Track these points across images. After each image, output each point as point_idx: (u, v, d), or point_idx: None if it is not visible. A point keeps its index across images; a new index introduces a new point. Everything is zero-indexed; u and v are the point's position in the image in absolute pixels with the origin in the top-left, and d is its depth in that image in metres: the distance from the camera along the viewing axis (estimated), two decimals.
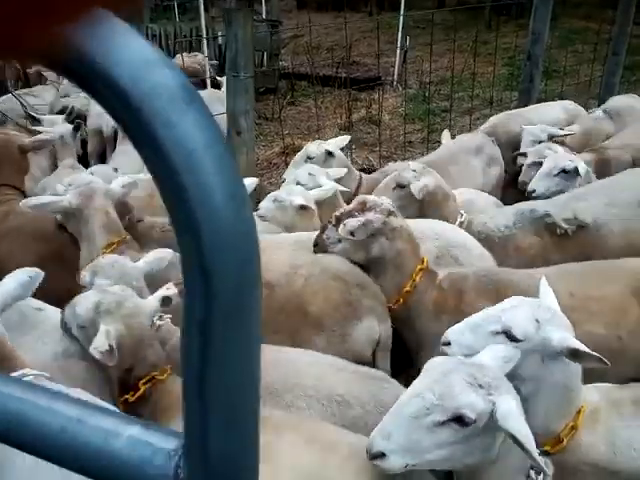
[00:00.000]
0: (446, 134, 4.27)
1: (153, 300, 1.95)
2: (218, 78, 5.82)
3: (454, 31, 6.25)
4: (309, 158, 3.52)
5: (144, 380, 1.83)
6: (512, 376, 1.54)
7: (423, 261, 2.33)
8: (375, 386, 1.88)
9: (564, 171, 3.05)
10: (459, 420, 1.39)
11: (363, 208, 2.37)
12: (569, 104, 4.79)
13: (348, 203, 2.64)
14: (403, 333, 2.36)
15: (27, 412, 0.58)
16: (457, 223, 2.77)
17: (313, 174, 3.15)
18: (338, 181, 3.20)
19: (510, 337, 1.60)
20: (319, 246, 2.43)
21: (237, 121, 3.51)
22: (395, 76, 8.33)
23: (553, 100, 7.14)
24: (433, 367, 1.49)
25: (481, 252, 2.58)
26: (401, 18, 8.37)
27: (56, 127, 3.99)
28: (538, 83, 4.68)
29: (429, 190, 2.77)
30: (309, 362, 1.99)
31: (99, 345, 1.69)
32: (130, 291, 1.93)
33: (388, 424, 1.45)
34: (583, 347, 1.55)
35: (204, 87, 5.90)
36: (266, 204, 2.94)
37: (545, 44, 4.53)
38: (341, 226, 2.28)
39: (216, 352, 0.43)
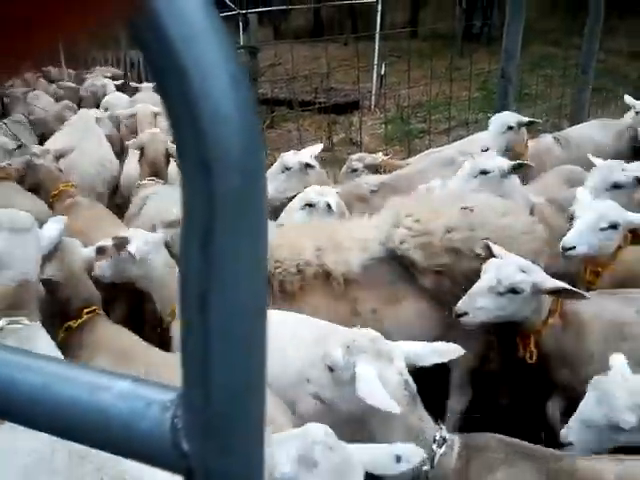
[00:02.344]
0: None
1: (90, 249, 2.48)
2: None
3: (430, 58, 6.45)
4: (287, 169, 3.50)
5: (87, 310, 2.25)
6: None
7: None
8: None
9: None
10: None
11: None
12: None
13: None
14: None
15: (5, 371, 0.52)
16: None
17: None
18: None
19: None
20: None
21: None
22: (373, 100, 8.48)
23: None
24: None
25: None
26: (377, 45, 8.59)
27: None
28: (512, 100, 4.78)
29: None
30: None
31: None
32: (78, 242, 2.48)
33: None
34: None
35: None
36: None
37: (517, 61, 4.65)
38: None
39: (222, 261, 0.39)
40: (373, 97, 8.50)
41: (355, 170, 4.16)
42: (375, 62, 8.53)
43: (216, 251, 0.39)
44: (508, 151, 3.83)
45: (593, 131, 4.45)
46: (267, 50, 11.04)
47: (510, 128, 3.86)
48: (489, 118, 6.29)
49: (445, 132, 6.75)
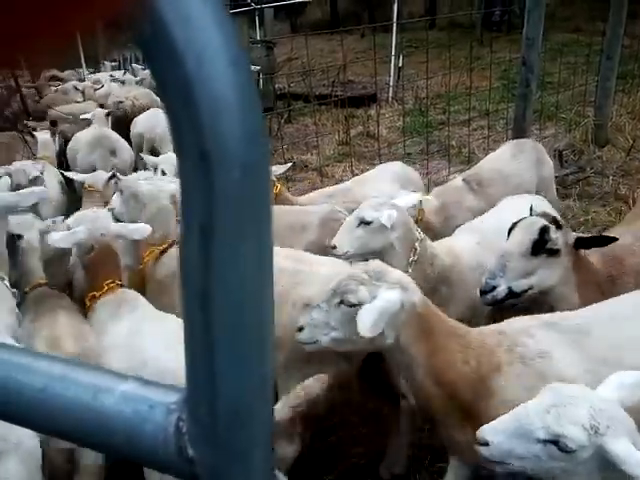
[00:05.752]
0: None
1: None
2: None
3: (448, 49, 6.34)
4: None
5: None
6: None
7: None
8: None
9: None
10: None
11: None
12: (399, 168, 3.91)
13: None
14: None
15: (5, 373, 0.51)
16: None
17: None
18: None
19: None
20: None
21: None
22: (390, 93, 8.39)
23: (550, 111, 7.21)
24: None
25: None
26: (394, 36, 8.49)
27: None
28: (534, 88, 4.67)
29: None
30: None
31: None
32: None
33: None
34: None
35: None
36: None
37: (539, 49, 4.53)
38: None
39: (222, 261, 0.37)
40: (391, 89, 8.41)
41: None
42: (392, 53, 8.43)
43: (216, 249, 0.36)
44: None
45: (502, 164, 3.76)
46: (284, 45, 11.02)
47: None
48: (510, 108, 6.19)
49: (465, 123, 6.63)
